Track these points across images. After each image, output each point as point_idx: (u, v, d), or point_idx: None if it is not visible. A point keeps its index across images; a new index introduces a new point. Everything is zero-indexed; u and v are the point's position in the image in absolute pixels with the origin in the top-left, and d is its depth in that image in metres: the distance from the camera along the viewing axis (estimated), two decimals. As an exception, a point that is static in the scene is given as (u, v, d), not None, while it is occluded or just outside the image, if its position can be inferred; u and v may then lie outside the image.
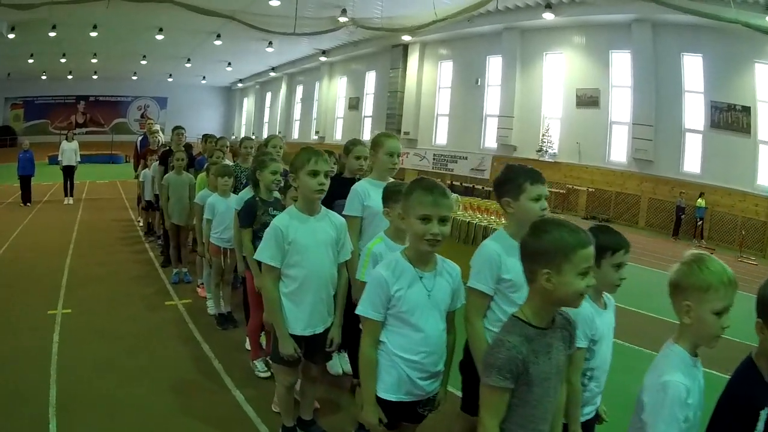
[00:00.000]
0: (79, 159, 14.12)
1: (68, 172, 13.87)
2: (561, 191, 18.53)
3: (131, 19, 21.63)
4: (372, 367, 2.17)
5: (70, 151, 13.86)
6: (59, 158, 14.04)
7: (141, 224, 10.18)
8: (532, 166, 2.45)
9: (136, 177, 10.64)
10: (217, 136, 7.66)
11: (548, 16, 18.19)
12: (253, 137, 7.37)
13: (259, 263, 2.89)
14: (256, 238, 3.77)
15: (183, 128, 7.99)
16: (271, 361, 3.18)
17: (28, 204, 13.23)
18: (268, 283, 2.80)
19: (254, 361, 4.06)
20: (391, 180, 3.43)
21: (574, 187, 18.76)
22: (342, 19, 20.89)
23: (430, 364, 2.19)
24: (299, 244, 2.75)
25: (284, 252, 2.75)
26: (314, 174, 2.71)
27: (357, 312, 2.19)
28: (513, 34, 20.35)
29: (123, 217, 11.80)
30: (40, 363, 4.04)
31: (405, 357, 2.15)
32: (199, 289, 6.08)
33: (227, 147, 7.06)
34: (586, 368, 2.16)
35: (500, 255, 2.28)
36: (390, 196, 2.82)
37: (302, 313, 2.80)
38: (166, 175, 6.74)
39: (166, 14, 20.58)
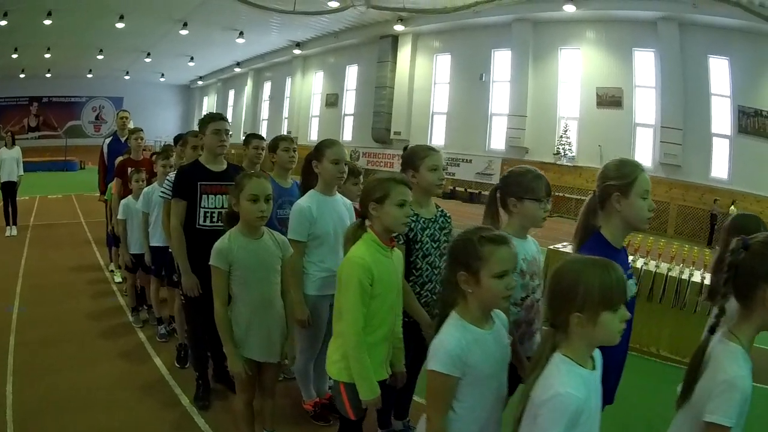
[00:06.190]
0: (21, 172, 9.74)
1: (9, 190, 9.48)
2: (582, 198, 15.62)
3: (90, 2, 17.37)
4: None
5: (10, 160, 9.48)
6: (-3, 171, 9.77)
7: (118, 280, 6.22)
8: None
9: (104, 200, 6.68)
10: (285, 136, 3.93)
11: (569, 8, 15.47)
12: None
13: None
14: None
15: (226, 120, 3.51)
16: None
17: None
18: None
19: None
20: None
21: (598, 193, 16.03)
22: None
23: None
24: None
25: None
26: None
27: None
28: (524, 26, 17.32)
29: (87, 260, 7.62)
30: None
31: None
32: None
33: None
34: None
35: None
36: None
37: None
38: (222, 242, 2.52)
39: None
